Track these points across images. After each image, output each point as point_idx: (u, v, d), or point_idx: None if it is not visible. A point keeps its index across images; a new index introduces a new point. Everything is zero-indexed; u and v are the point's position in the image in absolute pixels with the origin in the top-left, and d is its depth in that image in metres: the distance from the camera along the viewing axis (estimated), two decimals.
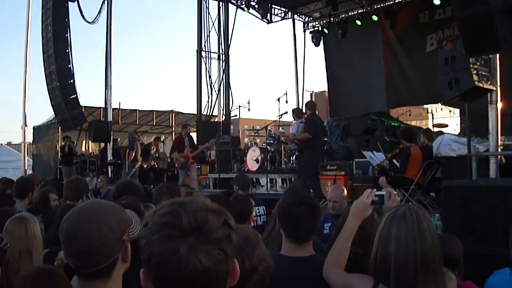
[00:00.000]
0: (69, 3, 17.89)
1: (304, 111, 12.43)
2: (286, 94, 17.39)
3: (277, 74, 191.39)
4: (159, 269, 1.37)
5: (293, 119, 13.69)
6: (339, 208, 6.34)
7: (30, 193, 6.83)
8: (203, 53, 21.59)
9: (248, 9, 22.54)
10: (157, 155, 20.34)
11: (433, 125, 17.87)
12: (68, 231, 2.12)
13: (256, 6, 22.58)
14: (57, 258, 3.65)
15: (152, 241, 1.38)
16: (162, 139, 19.47)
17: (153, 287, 1.42)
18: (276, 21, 24.17)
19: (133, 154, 17.58)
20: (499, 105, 8.51)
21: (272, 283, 2.63)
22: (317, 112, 12.48)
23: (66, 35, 17.82)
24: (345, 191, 6.80)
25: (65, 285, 2.74)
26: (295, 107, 16.03)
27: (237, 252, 2.52)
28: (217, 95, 21.94)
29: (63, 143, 19.99)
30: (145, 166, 18.46)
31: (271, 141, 15.84)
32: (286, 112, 15.75)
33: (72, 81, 17.83)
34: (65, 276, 2.82)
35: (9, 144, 46.02)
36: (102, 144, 21.28)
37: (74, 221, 2.13)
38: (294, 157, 14.89)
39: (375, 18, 20.03)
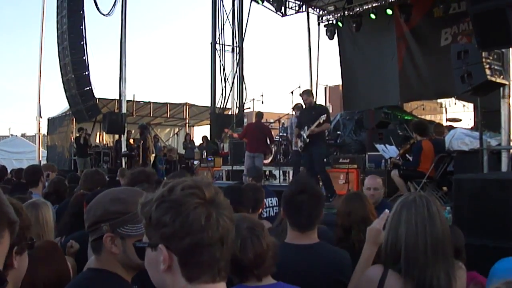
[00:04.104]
0: None
1: (305, 100, 11.92)
2: (300, 87, 17.40)
3: (291, 67, 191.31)
4: (193, 234, 1.48)
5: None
6: (378, 197, 6.27)
7: (41, 178, 6.88)
8: (217, 46, 21.64)
9: (263, 2, 22.51)
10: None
11: (447, 120, 17.86)
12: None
13: None
14: (68, 245, 3.75)
15: (183, 210, 1.48)
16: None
17: (178, 258, 1.50)
18: (290, 14, 24.11)
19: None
20: None
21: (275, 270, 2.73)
22: None
23: (81, 27, 17.91)
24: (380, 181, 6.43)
25: (60, 259, 2.89)
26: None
27: (251, 233, 2.66)
28: (231, 88, 21.98)
29: (78, 135, 20.09)
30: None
31: (284, 134, 15.89)
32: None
33: (86, 73, 17.93)
34: (62, 251, 2.99)
35: (23, 135, 46.47)
36: (116, 136, 21.39)
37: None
38: None
39: (389, 12, 19.93)
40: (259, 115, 14.94)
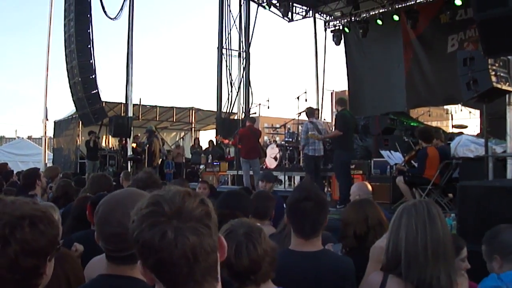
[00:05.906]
0: None
1: (334, 107, 12.11)
2: (306, 92, 17.40)
3: (297, 73, 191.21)
4: (153, 254, 1.46)
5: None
6: None
7: (37, 181, 6.92)
8: (223, 51, 21.60)
9: (270, 7, 22.56)
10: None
11: (453, 126, 17.86)
12: (103, 215, 2.24)
13: (278, 4, 22.56)
14: (72, 249, 3.74)
15: (141, 231, 1.47)
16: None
17: (152, 274, 1.51)
18: (297, 20, 24.11)
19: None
20: None
21: (278, 277, 2.71)
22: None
23: (88, 31, 17.99)
24: (369, 187, 6.25)
25: (74, 265, 2.85)
26: (308, 106, 15.63)
27: (248, 238, 2.64)
28: (237, 93, 21.92)
29: (88, 138, 20.17)
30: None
31: (290, 139, 15.88)
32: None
33: (93, 76, 18.00)
34: (75, 257, 2.92)
35: (29, 138, 46.55)
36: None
37: (110, 206, 2.25)
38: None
39: (396, 18, 19.93)
40: (252, 120, 14.99)
